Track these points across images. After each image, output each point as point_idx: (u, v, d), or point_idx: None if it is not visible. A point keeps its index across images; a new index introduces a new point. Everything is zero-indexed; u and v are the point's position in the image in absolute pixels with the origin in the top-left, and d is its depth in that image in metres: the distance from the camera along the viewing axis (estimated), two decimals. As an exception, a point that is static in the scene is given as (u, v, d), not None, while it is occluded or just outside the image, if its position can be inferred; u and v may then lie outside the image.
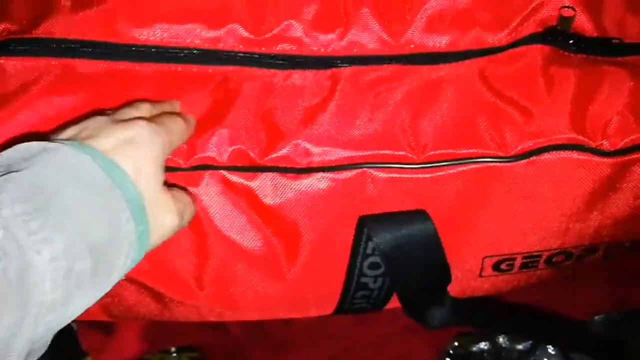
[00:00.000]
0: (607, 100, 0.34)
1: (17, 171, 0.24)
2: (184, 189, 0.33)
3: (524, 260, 0.38)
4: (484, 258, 0.37)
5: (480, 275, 0.38)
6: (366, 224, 0.34)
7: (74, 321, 0.26)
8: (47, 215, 0.23)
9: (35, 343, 0.23)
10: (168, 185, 0.31)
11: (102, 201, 0.25)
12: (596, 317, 0.56)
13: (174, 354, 0.72)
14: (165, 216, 0.28)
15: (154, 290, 0.36)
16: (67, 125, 0.29)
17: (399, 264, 0.34)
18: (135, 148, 0.27)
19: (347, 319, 0.56)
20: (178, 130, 0.31)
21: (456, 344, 0.60)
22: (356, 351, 0.58)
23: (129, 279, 0.36)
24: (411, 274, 0.35)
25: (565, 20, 0.36)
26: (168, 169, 0.34)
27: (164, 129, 0.29)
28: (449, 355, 0.61)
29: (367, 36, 0.35)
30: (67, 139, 0.27)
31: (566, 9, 0.35)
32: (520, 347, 0.59)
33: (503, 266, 0.38)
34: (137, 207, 0.26)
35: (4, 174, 0.24)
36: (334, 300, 0.38)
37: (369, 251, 0.34)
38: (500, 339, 0.59)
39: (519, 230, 0.36)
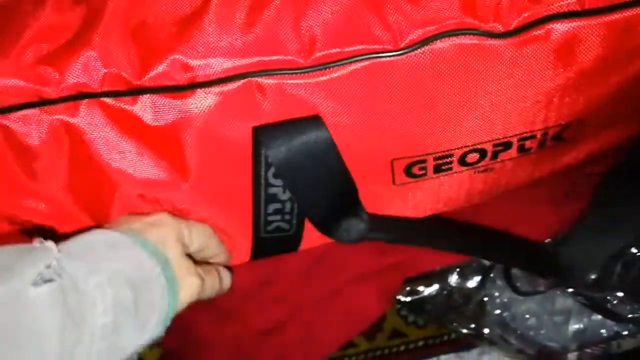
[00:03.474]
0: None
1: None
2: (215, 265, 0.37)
3: (436, 162, 0.36)
4: (392, 161, 0.35)
5: (394, 182, 0.37)
6: (259, 134, 0.32)
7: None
8: (86, 260, 0.29)
9: None
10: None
11: (128, 253, 0.31)
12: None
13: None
14: (188, 277, 0.33)
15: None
16: None
17: (298, 174, 0.33)
18: (158, 227, 0.33)
19: (290, 280, 0.54)
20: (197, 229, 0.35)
21: (407, 289, 0.59)
22: (304, 311, 0.56)
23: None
24: (312, 184, 0.33)
25: None
26: (40, 102, 0.31)
27: (185, 224, 0.35)
28: (400, 303, 0.60)
29: None
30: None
31: None
32: (470, 284, 0.58)
33: (415, 170, 0.36)
34: (160, 258, 0.32)
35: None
36: (248, 223, 0.36)
37: (270, 160, 0.33)
38: (450, 279, 0.58)
39: (422, 126, 0.34)
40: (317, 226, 0.36)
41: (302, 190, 0.33)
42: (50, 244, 0.29)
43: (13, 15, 0.31)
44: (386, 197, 0.38)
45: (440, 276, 0.57)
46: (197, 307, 0.56)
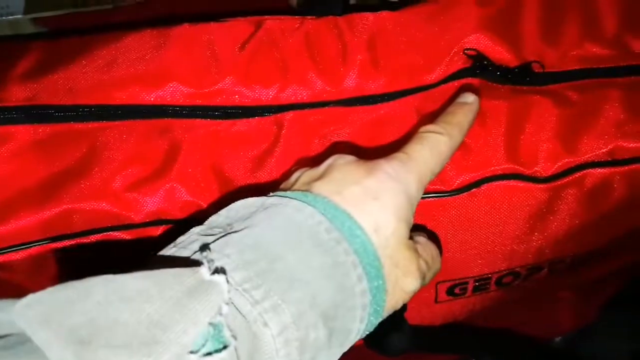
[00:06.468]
0: (537, 129, 0.37)
1: (235, 232, 0.22)
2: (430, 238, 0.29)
3: (476, 284, 0.39)
4: (437, 284, 0.38)
5: (436, 301, 0.40)
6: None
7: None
8: (271, 282, 0.20)
9: None
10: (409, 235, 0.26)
11: (329, 260, 0.22)
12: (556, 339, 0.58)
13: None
14: (404, 280, 0.24)
15: None
16: (313, 165, 0.27)
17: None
18: (377, 202, 0.24)
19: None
20: (432, 164, 0.27)
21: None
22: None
23: None
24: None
25: (484, 56, 0.38)
26: (121, 227, 0.34)
27: (414, 171, 0.26)
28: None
29: (306, 86, 0.36)
30: (302, 183, 0.25)
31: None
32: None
33: (457, 290, 0.39)
34: (370, 263, 0.23)
35: (223, 236, 0.21)
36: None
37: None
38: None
39: (467, 256, 0.37)
40: (366, 342, 0.38)
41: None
42: (219, 279, 0.19)
43: (102, 143, 0.34)
44: (423, 311, 0.41)
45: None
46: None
